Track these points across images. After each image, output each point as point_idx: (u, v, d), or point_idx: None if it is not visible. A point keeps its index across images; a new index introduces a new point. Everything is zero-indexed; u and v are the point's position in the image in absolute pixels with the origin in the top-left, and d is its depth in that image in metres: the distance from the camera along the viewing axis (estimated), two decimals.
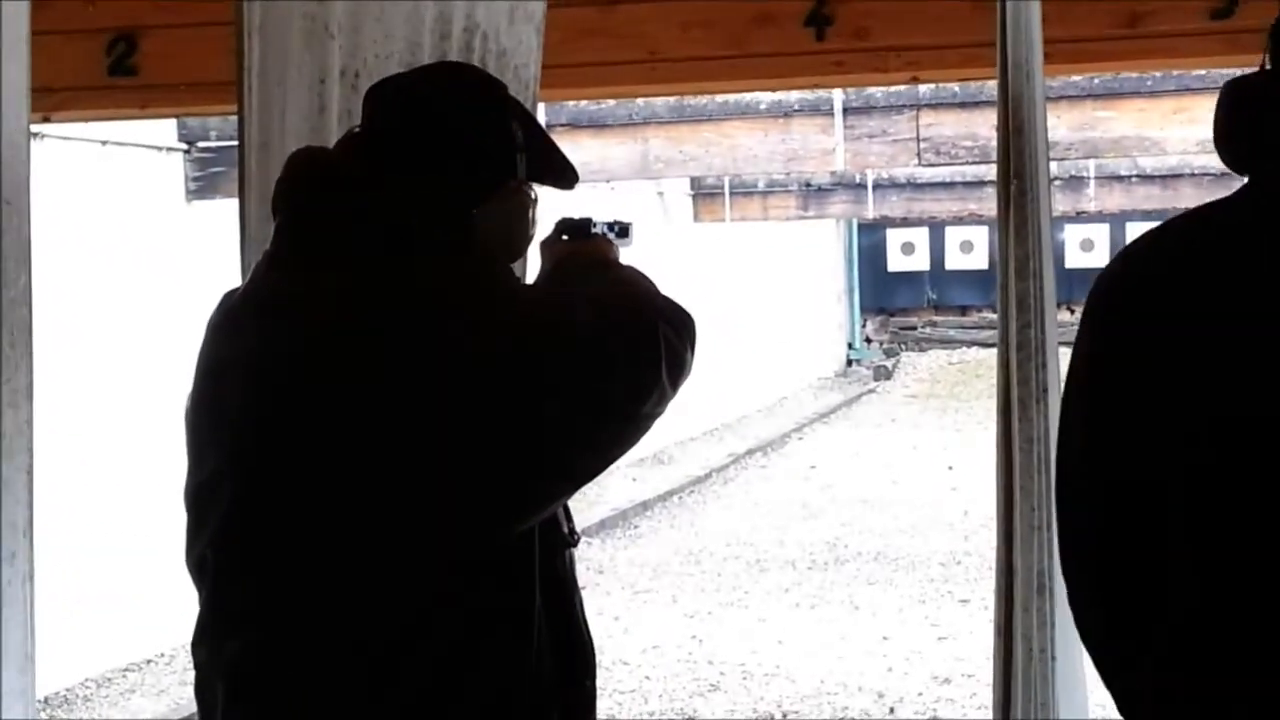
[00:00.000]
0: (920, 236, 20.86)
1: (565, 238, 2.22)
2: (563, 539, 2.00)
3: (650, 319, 1.97)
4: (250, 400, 1.89)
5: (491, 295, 1.93)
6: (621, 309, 1.99)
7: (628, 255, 2.28)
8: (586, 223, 2.24)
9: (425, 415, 1.81)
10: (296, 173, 2.01)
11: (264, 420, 1.88)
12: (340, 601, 1.83)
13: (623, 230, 2.32)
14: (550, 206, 2.15)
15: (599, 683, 2.04)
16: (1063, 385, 1.85)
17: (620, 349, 1.92)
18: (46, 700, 6.97)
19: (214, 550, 1.92)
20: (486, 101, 2.05)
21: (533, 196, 2.06)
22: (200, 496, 1.96)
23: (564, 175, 2.11)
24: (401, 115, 1.98)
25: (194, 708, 2.00)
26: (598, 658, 2.06)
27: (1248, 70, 1.80)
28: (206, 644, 1.95)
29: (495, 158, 2.00)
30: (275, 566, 1.87)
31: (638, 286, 2.07)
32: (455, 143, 1.97)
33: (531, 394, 1.85)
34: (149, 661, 7.66)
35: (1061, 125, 7.66)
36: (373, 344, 1.84)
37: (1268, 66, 1.72)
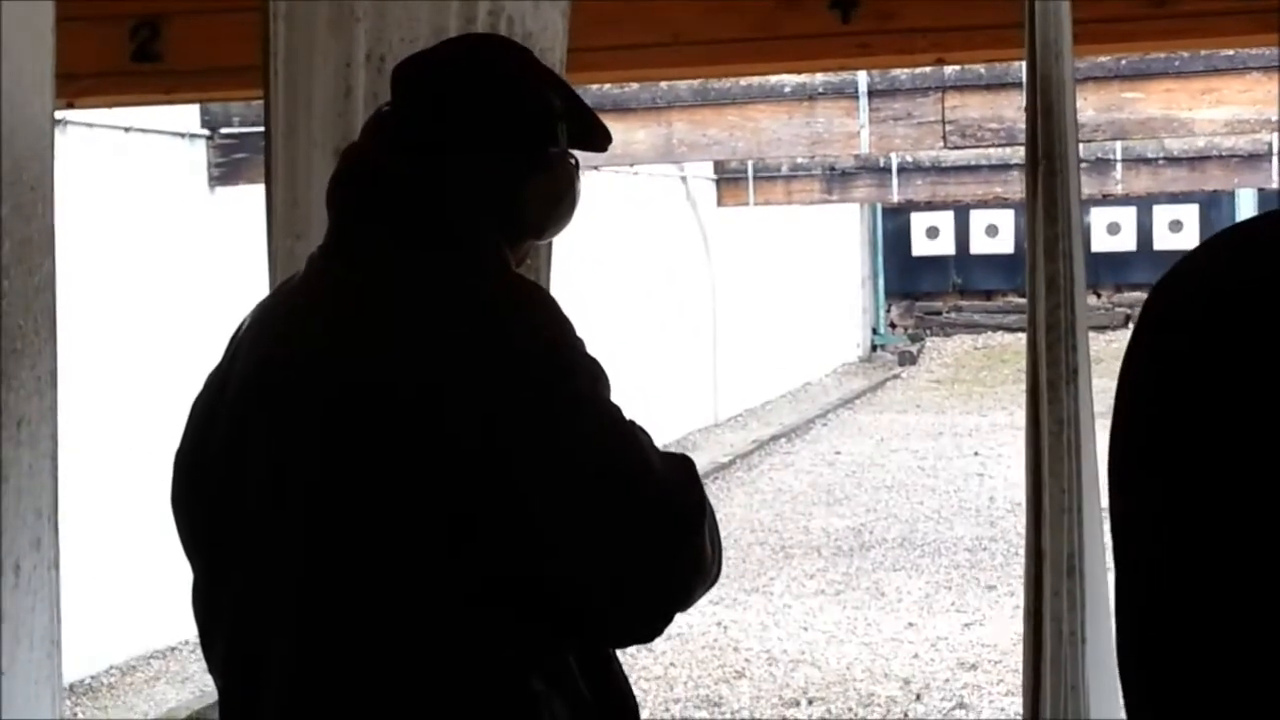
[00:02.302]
0: (945, 220, 20.80)
1: None
2: None
3: (702, 514, 1.85)
4: (291, 399, 1.86)
5: (535, 320, 1.84)
6: (691, 488, 1.86)
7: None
8: None
9: (435, 429, 1.75)
10: (345, 168, 1.99)
11: (303, 422, 1.82)
12: (370, 620, 1.79)
13: None
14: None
15: (624, 670, 2.01)
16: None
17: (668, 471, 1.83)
18: (71, 688, 7.01)
19: (240, 551, 1.89)
20: (521, 71, 2.01)
21: (574, 164, 2.02)
22: (217, 488, 1.92)
23: (600, 138, 2.08)
24: (436, 95, 1.94)
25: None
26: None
27: (1269, 49, 1.69)
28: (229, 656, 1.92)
29: (536, 130, 1.97)
30: (304, 574, 1.81)
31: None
32: (495, 119, 1.94)
33: (548, 407, 1.76)
34: (173, 649, 7.69)
35: (1088, 107, 7.61)
36: (423, 346, 1.79)
37: None
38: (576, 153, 2.04)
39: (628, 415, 1.83)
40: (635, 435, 1.81)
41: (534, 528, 1.75)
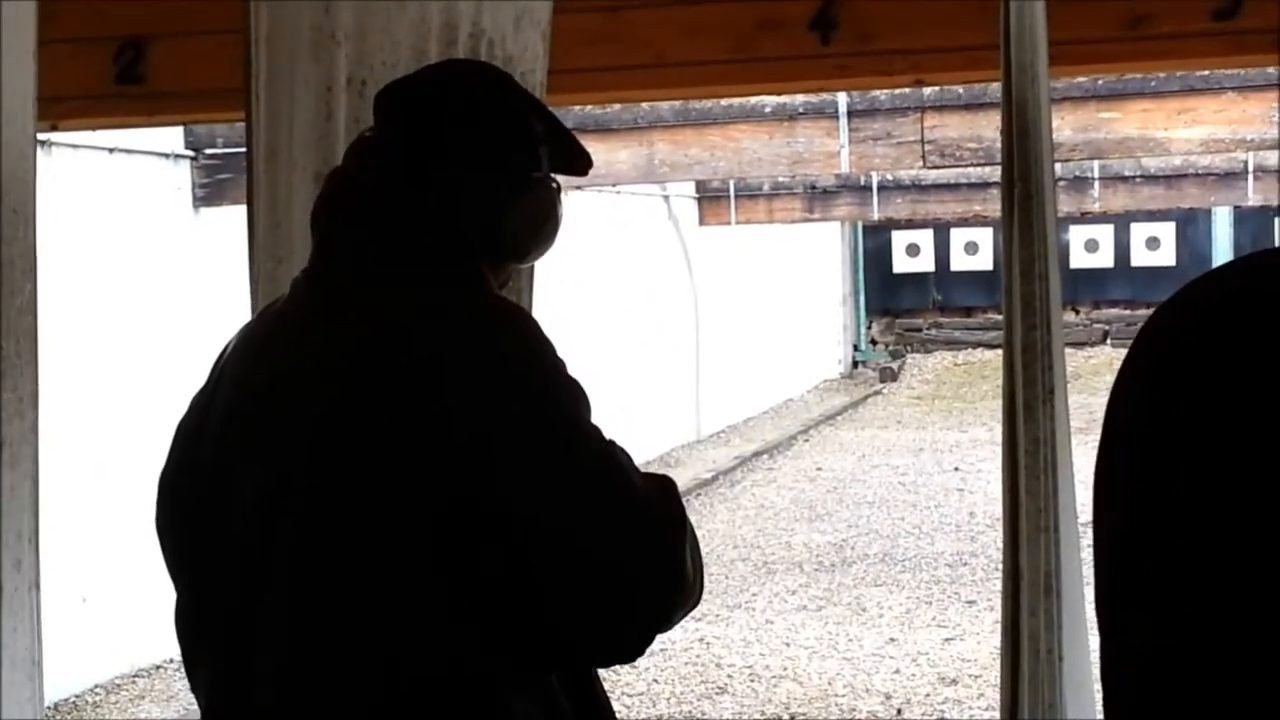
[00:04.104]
0: (925, 238, 20.84)
1: None
2: None
3: (683, 533, 1.88)
4: (277, 415, 1.87)
5: (524, 332, 1.87)
6: (666, 503, 1.89)
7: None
8: None
9: (432, 434, 1.77)
10: (329, 191, 2.00)
11: (290, 436, 1.84)
12: (352, 618, 1.80)
13: None
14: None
15: (607, 687, 2.03)
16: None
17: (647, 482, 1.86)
18: (55, 707, 6.99)
19: (226, 566, 1.90)
20: (503, 96, 2.03)
21: (556, 187, 2.05)
22: (202, 506, 1.93)
23: (580, 162, 2.10)
24: (421, 122, 1.96)
25: None
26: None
27: (1243, 70, 1.67)
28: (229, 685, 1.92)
29: (519, 155, 1.99)
30: (289, 581, 1.84)
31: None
32: (479, 146, 1.96)
33: (549, 422, 1.79)
34: (158, 667, 7.68)
35: (1065, 126, 7.67)
36: (389, 365, 1.81)
37: None
38: (558, 176, 2.07)
39: (608, 436, 1.85)
40: (614, 455, 1.83)
41: (518, 543, 1.76)
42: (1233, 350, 1.14)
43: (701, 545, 1.94)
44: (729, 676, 7.47)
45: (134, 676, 7.63)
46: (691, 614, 1.99)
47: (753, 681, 7.39)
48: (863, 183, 12.40)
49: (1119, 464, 1.21)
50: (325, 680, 1.81)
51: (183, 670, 2.02)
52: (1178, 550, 1.14)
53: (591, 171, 2.17)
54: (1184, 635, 1.14)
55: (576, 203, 10.62)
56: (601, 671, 1.97)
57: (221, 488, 1.90)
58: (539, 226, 2.01)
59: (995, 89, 2.81)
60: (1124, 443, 1.21)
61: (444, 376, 1.78)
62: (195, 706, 1.99)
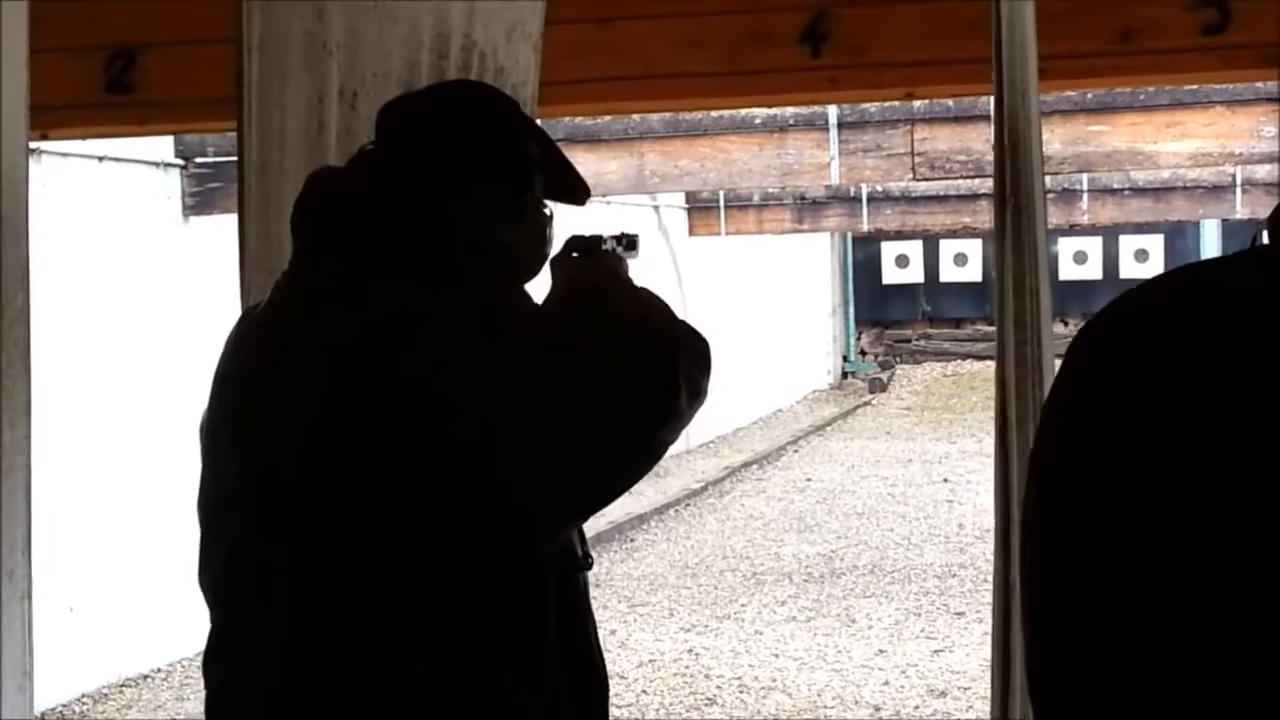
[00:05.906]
0: (914, 249, 20.86)
1: (575, 255, 2.22)
2: (576, 562, 2.00)
3: (668, 345, 1.97)
4: (269, 413, 1.90)
5: (508, 320, 1.93)
6: (639, 334, 1.99)
7: (634, 267, 2.30)
8: (597, 240, 2.24)
9: (431, 431, 1.81)
10: (314, 193, 2.01)
11: (282, 433, 1.88)
12: (356, 612, 1.84)
13: (630, 243, 2.33)
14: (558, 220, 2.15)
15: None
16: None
17: (636, 375, 1.93)
18: (43, 716, 6.97)
19: (230, 564, 1.93)
20: (502, 120, 2.05)
21: (548, 214, 2.07)
22: (216, 508, 1.97)
23: (577, 191, 2.12)
24: (419, 136, 1.98)
25: None
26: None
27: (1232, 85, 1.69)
28: (220, 661, 1.96)
29: (513, 177, 2.01)
30: (291, 578, 1.87)
31: (654, 309, 2.06)
32: (474, 164, 1.98)
33: (544, 415, 1.85)
34: (145, 677, 7.66)
35: (1055, 139, 7.68)
36: (386, 364, 1.84)
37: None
38: (552, 204, 2.09)
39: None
40: (614, 426, 1.91)
41: (516, 540, 1.81)
42: (1144, 379, 1.15)
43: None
44: (718, 687, 7.47)
45: (121, 686, 7.61)
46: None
47: (742, 693, 7.39)
48: (852, 194, 12.41)
49: (1043, 508, 1.20)
50: (325, 681, 1.84)
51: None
52: (1102, 596, 1.13)
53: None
54: (1106, 679, 1.13)
55: (566, 214, 10.54)
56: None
57: (221, 495, 1.94)
58: (523, 250, 2.04)
59: (985, 102, 2.82)
60: (1050, 486, 1.20)
61: (435, 378, 1.83)
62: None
